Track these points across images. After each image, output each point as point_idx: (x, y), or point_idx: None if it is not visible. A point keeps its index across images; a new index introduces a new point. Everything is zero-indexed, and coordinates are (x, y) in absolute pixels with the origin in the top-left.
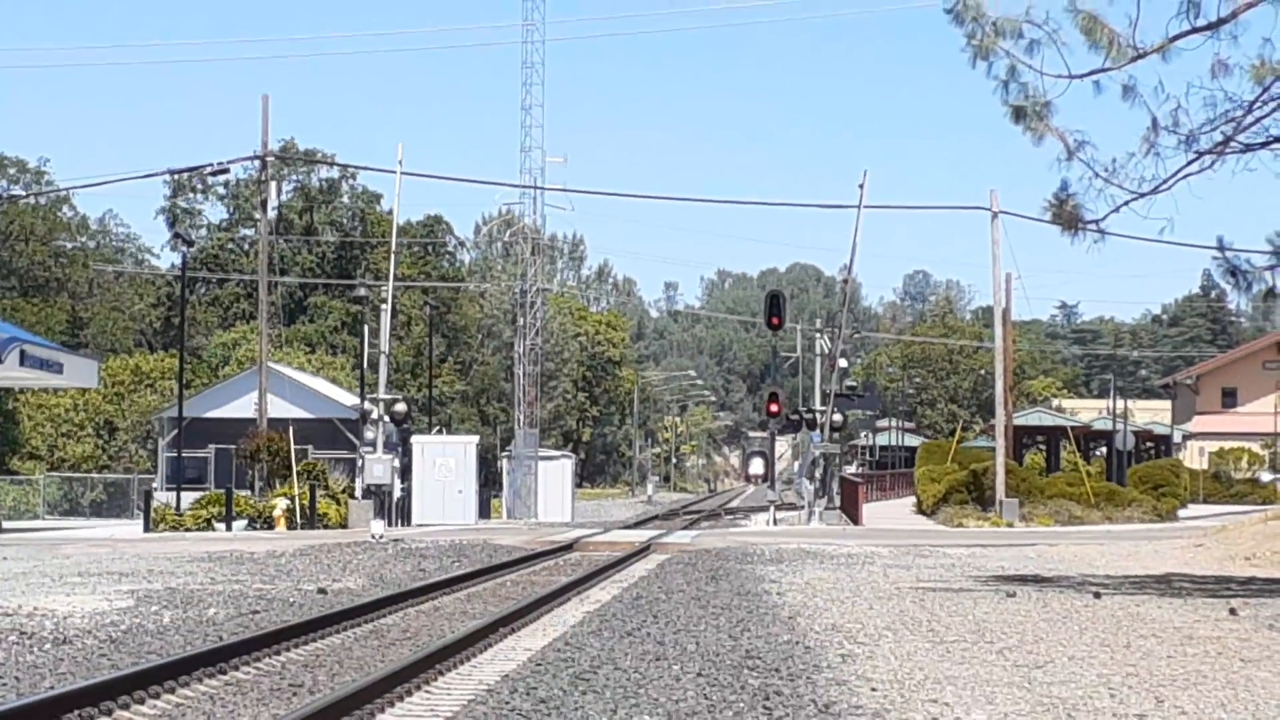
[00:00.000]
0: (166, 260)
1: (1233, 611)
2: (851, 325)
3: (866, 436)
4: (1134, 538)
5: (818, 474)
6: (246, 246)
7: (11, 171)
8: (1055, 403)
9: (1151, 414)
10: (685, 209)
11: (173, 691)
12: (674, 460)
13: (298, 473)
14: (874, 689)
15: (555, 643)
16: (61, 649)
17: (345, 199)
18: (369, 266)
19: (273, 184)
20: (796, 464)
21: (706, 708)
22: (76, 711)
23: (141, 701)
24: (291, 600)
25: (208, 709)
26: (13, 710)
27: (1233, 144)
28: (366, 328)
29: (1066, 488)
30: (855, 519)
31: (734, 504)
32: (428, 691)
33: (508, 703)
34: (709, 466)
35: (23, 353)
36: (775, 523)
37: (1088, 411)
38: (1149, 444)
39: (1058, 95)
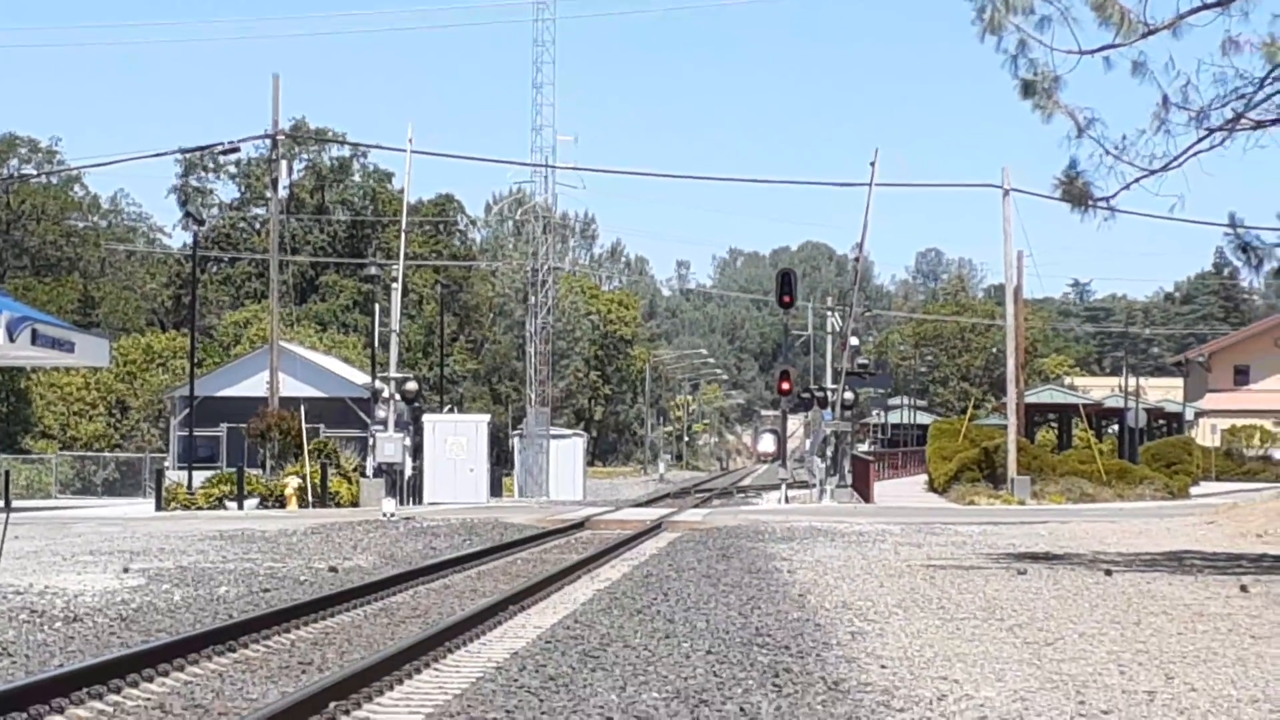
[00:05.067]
0: (178, 239)
1: (1244, 588)
2: (863, 303)
3: (878, 414)
4: (1146, 515)
5: (829, 452)
6: (258, 225)
7: (23, 151)
8: (1067, 380)
9: (1164, 391)
10: (697, 187)
11: (182, 669)
12: (686, 439)
13: (309, 451)
14: (883, 666)
15: (565, 620)
16: (72, 627)
17: (356, 178)
18: (380, 245)
19: (284, 163)
20: (808, 442)
21: (716, 685)
22: (85, 689)
23: (150, 680)
24: (302, 578)
25: (216, 686)
26: (21, 688)
27: (1244, 121)
28: (378, 307)
29: (1078, 465)
30: (867, 497)
31: (746, 482)
32: (436, 669)
33: (516, 680)
34: (721, 445)
35: (34, 332)
36: (787, 501)
37: (1100, 389)
38: (1161, 421)
39: (1068, 71)
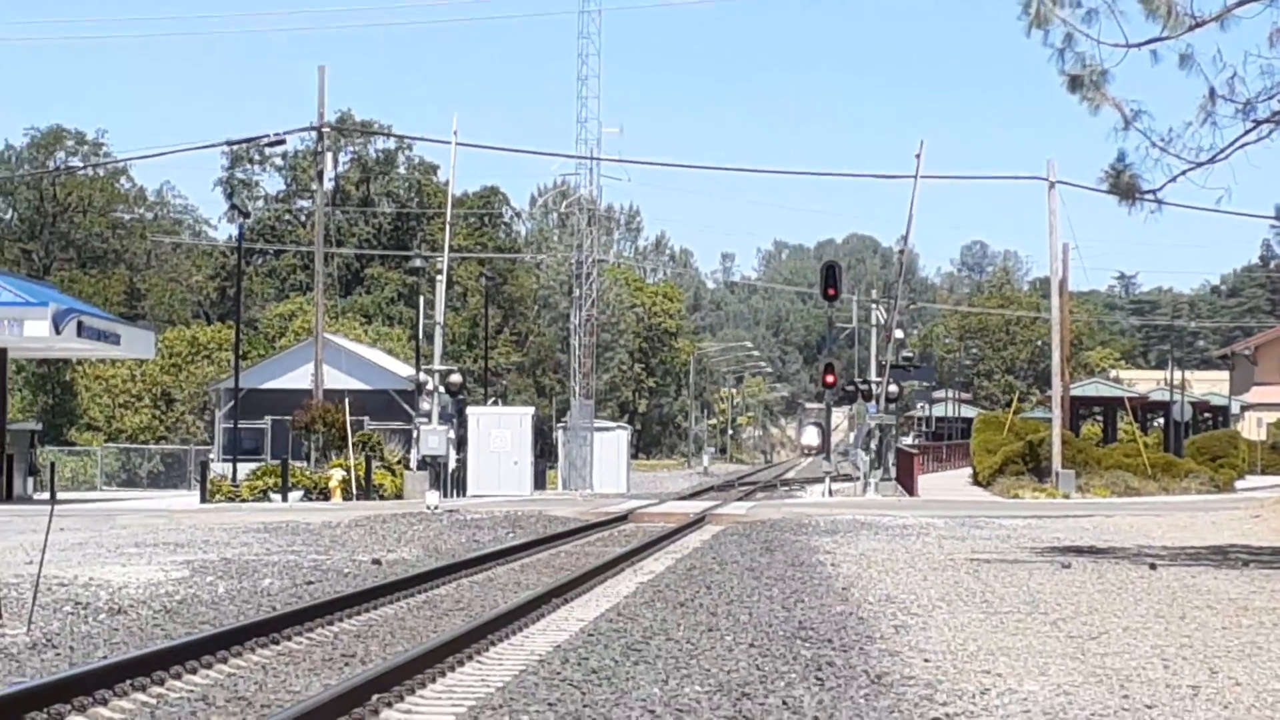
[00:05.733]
0: (224, 232)
1: None
2: (908, 296)
3: (922, 407)
4: (1191, 509)
5: (873, 445)
6: (303, 218)
7: (70, 143)
8: (1113, 374)
9: (1209, 385)
10: (742, 180)
11: (225, 661)
12: (730, 431)
13: (353, 444)
14: (927, 660)
15: (608, 613)
16: (116, 619)
17: (402, 170)
18: (425, 238)
19: (329, 155)
20: (853, 435)
21: (758, 678)
22: (129, 681)
23: (194, 671)
24: (346, 571)
25: (260, 679)
26: (66, 679)
27: None
28: (422, 299)
29: (1123, 459)
30: (911, 490)
31: (790, 475)
32: (479, 661)
33: (559, 673)
34: (765, 438)
35: (80, 324)
36: (831, 494)
37: (1145, 382)
38: (1206, 415)
39: (1114, 64)
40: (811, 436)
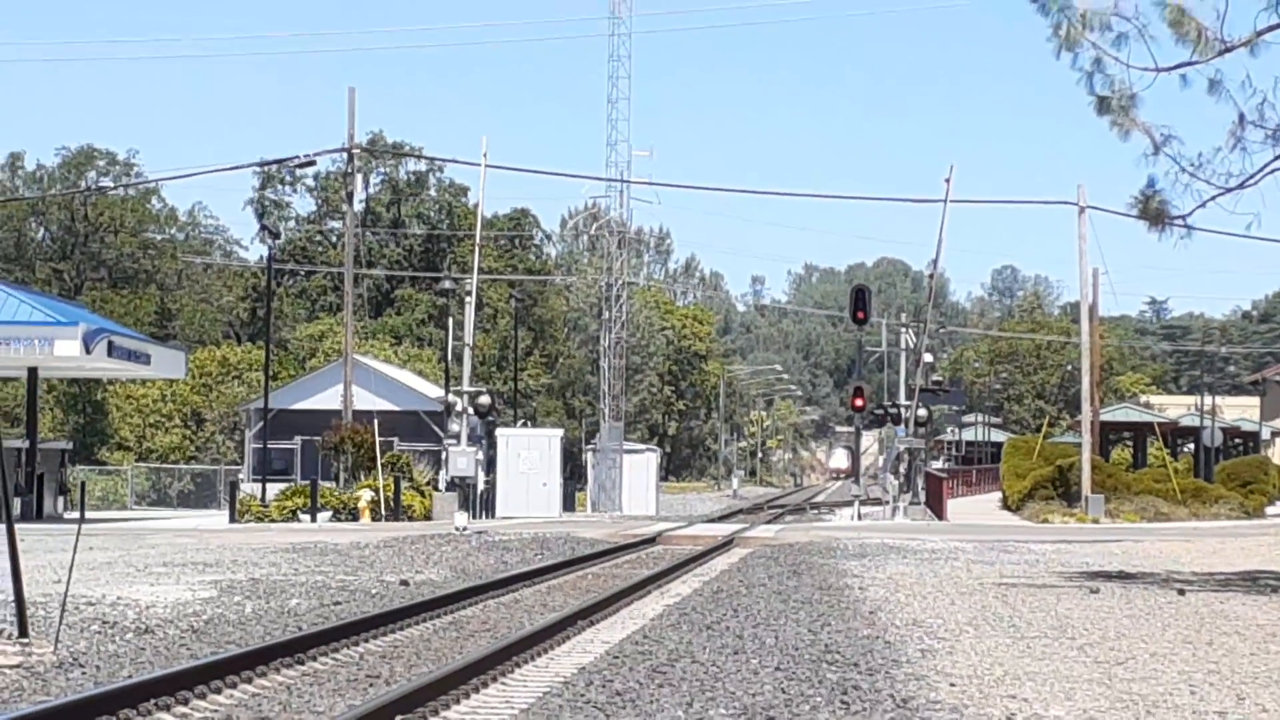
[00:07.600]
0: (254, 252)
1: None
2: (937, 320)
3: (952, 432)
4: (1220, 534)
5: (902, 469)
6: (334, 239)
7: (101, 163)
8: (1143, 399)
9: (1240, 410)
10: (773, 203)
11: (250, 681)
12: (760, 455)
13: (382, 464)
14: (953, 684)
15: (633, 635)
16: (143, 638)
17: (432, 192)
18: (455, 259)
19: (359, 177)
20: (882, 459)
21: (783, 702)
22: (153, 700)
23: (219, 691)
24: (373, 591)
25: (284, 699)
26: (90, 698)
27: None
28: (452, 320)
29: (1153, 484)
30: (940, 514)
31: (819, 499)
32: (504, 683)
33: (583, 695)
34: (795, 461)
35: (111, 344)
36: (860, 518)
37: (1176, 408)
38: (1237, 440)
39: (1144, 88)
40: (840, 460)
